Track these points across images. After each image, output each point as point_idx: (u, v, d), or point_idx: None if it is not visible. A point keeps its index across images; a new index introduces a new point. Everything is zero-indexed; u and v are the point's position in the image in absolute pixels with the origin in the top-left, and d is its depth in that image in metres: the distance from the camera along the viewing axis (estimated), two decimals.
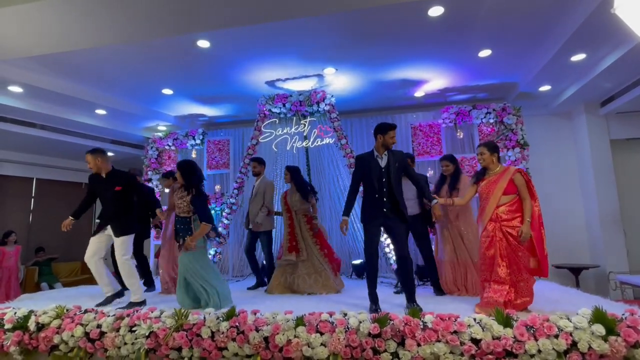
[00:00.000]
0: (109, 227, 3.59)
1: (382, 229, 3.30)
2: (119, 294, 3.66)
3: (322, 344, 2.40)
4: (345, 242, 5.75)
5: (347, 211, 3.33)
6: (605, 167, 5.89)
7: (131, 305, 3.37)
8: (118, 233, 3.55)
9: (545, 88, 5.62)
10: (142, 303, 3.49)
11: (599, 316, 2.25)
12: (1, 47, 3.86)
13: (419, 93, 5.95)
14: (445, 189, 3.96)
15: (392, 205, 3.16)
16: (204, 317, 2.67)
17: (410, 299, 3.08)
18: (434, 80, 5.51)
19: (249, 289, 4.48)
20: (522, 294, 2.90)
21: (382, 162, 3.24)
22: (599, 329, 2.18)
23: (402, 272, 3.19)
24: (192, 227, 3.36)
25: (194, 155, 6.63)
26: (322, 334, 2.44)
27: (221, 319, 2.64)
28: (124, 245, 3.55)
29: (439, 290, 3.81)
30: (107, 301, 3.54)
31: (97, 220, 3.76)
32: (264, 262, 4.78)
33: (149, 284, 4.54)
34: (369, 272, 3.22)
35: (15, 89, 5.10)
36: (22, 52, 3.99)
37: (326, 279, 4.08)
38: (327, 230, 5.36)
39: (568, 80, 5.39)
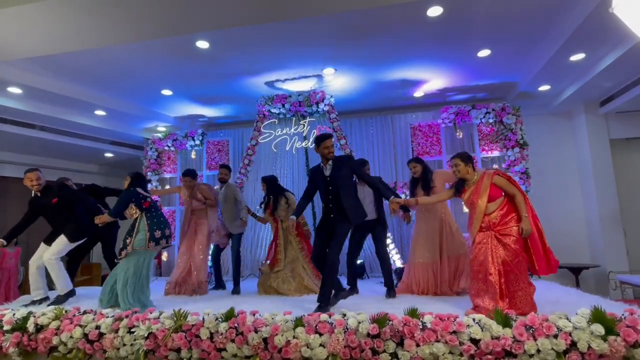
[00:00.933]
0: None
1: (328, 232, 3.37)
2: (46, 299, 3.81)
3: (321, 345, 2.40)
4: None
5: (297, 213, 3.50)
6: (605, 166, 5.89)
7: (59, 297, 3.70)
8: (70, 238, 3.73)
9: (544, 88, 5.62)
10: (70, 293, 3.78)
11: (598, 316, 2.24)
12: (1, 49, 3.85)
13: (418, 93, 5.95)
14: (420, 191, 4.00)
15: (337, 210, 3.26)
16: (203, 318, 2.67)
17: (321, 299, 3.10)
18: (433, 80, 5.51)
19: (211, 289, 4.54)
20: (521, 305, 2.75)
21: (327, 172, 3.36)
22: (598, 328, 2.18)
23: (325, 269, 3.21)
24: (136, 227, 3.48)
25: (193, 156, 6.63)
26: (321, 334, 2.43)
27: (220, 320, 2.63)
28: (58, 247, 3.70)
29: (391, 292, 3.83)
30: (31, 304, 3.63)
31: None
32: (231, 263, 4.66)
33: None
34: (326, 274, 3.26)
35: (15, 90, 5.10)
36: (22, 54, 3.99)
37: (307, 282, 4.12)
38: None
39: (567, 80, 5.39)
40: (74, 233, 3.76)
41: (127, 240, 3.43)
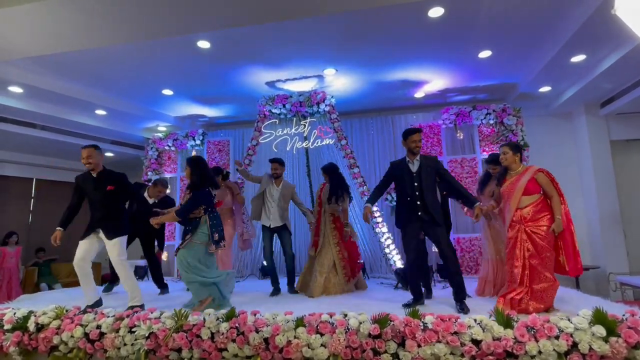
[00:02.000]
0: (99, 230, 3.42)
1: (422, 231, 3.36)
2: (98, 303, 3.45)
3: (322, 345, 2.39)
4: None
5: (371, 200, 3.43)
6: (605, 168, 5.89)
7: (131, 308, 3.20)
8: (111, 235, 3.39)
9: (545, 89, 5.63)
10: (142, 307, 3.30)
11: (599, 317, 2.24)
12: (1, 48, 3.85)
13: (419, 94, 5.96)
14: (492, 188, 3.74)
15: (424, 208, 3.21)
16: (204, 318, 2.66)
17: (458, 298, 3.10)
18: (434, 81, 5.51)
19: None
20: (537, 299, 2.82)
21: (414, 167, 3.32)
22: (600, 330, 2.18)
23: (447, 274, 3.26)
24: (199, 229, 3.26)
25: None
26: (322, 334, 2.43)
27: (221, 320, 2.63)
28: (117, 247, 3.39)
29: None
30: (84, 311, 3.13)
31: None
32: (285, 261, 4.42)
33: (162, 286, 4.48)
34: (411, 271, 3.32)
35: (16, 89, 5.10)
36: (23, 53, 4.00)
37: (341, 280, 4.09)
38: None
39: (568, 81, 5.40)
40: (118, 228, 3.43)
41: (187, 237, 3.25)
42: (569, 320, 2.29)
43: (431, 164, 3.32)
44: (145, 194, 4.48)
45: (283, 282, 4.36)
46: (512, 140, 3.19)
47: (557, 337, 2.21)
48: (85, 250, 3.38)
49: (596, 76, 4.90)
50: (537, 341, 2.21)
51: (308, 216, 4.42)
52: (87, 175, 3.53)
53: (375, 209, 4.95)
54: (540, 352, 2.18)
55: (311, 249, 4.22)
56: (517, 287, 2.90)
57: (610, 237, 5.72)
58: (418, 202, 3.22)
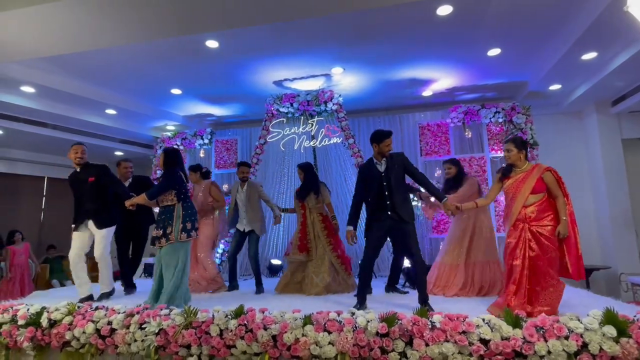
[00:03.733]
0: (89, 221, 3.64)
1: (385, 233, 3.32)
2: (89, 298, 3.59)
3: (330, 343, 2.40)
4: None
5: (351, 221, 3.37)
6: (616, 166, 5.81)
7: (102, 296, 3.63)
8: (100, 225, 3.60)
9: (555, 87, 5.56)
10: (111, 293, 3.73)
11: (610, 317, 2.22)
12: (14, 49, 3.92)
13: (426, 92, 5.93)
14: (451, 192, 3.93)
15: (393, 207, 3.18)
16: (213, 315, 2.69)
17: (423, 300, 3.08)
18: (442, 79, 5.48)
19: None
20: (550, 301, 2.73)
21: (382, 167, 3.29)
22: (610, 330, 2.16)
23: (414, 273, 3.22)
24: (174, 216, 3.30)
25: (202, 155, 6.67)
26: (330, 332, 2.44)
27: (230, 317, 2.66)
28: (106, 241, 3.62)
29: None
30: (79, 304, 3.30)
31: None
32: (252, 264, 4.53)
33: (131, 286, 4.37)
34: (362, 273, 3.26)
35: (28, 89, 5.19)
36: (35, 53, 4.06)
37: (343, 278, 4.09)
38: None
39: (579, 79, 5.33)
40: (104, 220, 3.64)
41: (168, 230, 3.24)
42: (579, 320, 2.27)
43: (398, 162, 3.27)
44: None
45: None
46: (517, 136, 3.12)
47: (566, 338, 2.19)
48: (78, 248, 3.61)
49: (607, 74, 4.83)
50: (546, 341, 2.19)
51: (274, 210, 4.51)
52: (74, 172, 3.78)
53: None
54: (549, 352, 2.16)
55: (298, 254, 4.13)
56: (515, 287, 2.80)
57: (622, 236, 5.64)
58: (387, 202, 3.19)
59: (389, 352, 2.32)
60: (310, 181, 4.31)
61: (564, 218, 2.84)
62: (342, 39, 4.28)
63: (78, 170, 3.75)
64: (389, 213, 3.18)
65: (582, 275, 2.87)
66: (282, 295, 4.05)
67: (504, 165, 4.22)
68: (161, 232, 3.27)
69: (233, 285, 4.48)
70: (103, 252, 3.64)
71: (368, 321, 2.44)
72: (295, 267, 4.23)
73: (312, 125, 5.82)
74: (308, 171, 4.35)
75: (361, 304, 3.17)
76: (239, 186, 4.60)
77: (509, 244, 2.94)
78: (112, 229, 3.75)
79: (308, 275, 4.10)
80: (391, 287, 4.07)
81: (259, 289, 4.30)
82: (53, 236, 7.75)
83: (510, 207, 3.01)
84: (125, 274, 4.34)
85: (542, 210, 2.89)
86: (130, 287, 4.33)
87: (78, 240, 3.64)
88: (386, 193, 3.20)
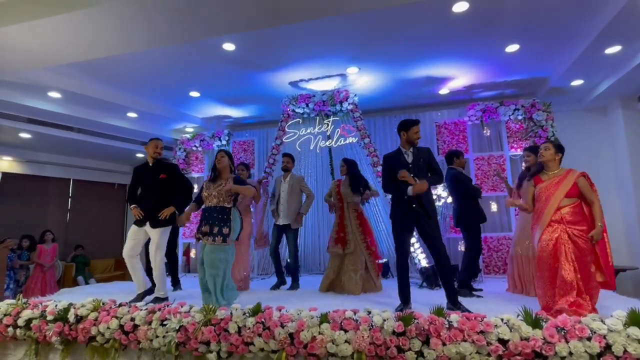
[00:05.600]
0: (147, 222, 3.59)
1: (411, 227, 3.25)
2: (149, 291, 3.69)
3: (346, 341, 2.42)
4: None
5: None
6: None
7: (157, 300, 3.51)
8: (155, 224, 3.56)
9: (577, 82, 5.41)
10: (167, 299, 3.57)
11: (635, 318, 2.15)
12: (43, 55, 4.10)
13: (443, 91, 5.86)
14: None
15: (419, 200, 3.13)
16: (231, 313, 2.75)
17: (451, 298, 3.04)
18: (459, 77, 5.41)
19: (271, 288, 4.40)
20: (592, 300, 2.72)
21: (409, 158, 3.24)
22: (635, 331, 2.10)
23: (439, 270, 3.16)
24: (230, 218, 3.34)
25: None
26: (346, 331, 2.46)
27: (247, 314, 2.70)
28: (162, 239, 3.58)
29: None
30: (139, 298, 3.56)
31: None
32: (288, 260, 4.71)
33: (175, 283, 4.53)
34: (399, 271, 3.20)
35: (54, 94, 5.40)
36: (62, 60, 4.22)
37: (373, 278, 4.06)
38: None
39: (602, 74, 5.17)
40: (166, 220, 3.56)
41: (224, 230, 3.27)
42: (602, 321, 2.21)
43: (424, 156, 3.25)
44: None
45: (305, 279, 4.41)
46: (558, 141, 3.05)
47: (589, 339, 2.14)
48: (130, 247, 3.60)
49: (633, 68, 4.66)
50: (567, 342, 2.15)
51: (304, 207, 4.53)
52: (144, 165, 3.79)
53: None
54: (570, 354, 2.12)
55: (337, 247, 4.10)
56: (573, 293, 2.70)
57: None
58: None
59: (406, 351, 2.32)
60: (359, 176, 4.27)
61: (599, 224, 2.80)
62: (357, 38, 4.29)
63: (151, 164, 3.74)
64: (414, 206, 3.14)
65: (612, 284, 2.81)
66: (329, 295, 3.95)
67: (524, 165, 4.14)
68: (217, 229, 3.27)
69: (281, 281, 4.49)
70: (156, 253, 3.57)
71: (384, 320, 2.44)
72: (337, 265, 4.13)
73: (328, 125, 5.85)
74: (353, 166, 4.29)
75: (405, 304, 3.11)
76: (282, 178, 4.65)
77: (547, 245, 2.85)
78: (168, 229, 3.67)
79: (346, 272, 4.02)
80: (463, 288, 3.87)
81: (294, 285, 4.35)
82: (78, 236, 8.05)
83: (542, 210, 2.95)
84: (171, 270, 4.52)
85: (576, 214, 2.86)
86: (177, 284, 4.51)
87: (131, 239, 3.62)
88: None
